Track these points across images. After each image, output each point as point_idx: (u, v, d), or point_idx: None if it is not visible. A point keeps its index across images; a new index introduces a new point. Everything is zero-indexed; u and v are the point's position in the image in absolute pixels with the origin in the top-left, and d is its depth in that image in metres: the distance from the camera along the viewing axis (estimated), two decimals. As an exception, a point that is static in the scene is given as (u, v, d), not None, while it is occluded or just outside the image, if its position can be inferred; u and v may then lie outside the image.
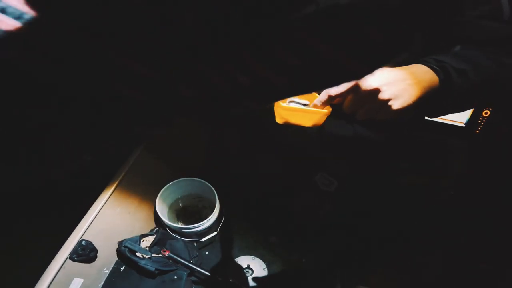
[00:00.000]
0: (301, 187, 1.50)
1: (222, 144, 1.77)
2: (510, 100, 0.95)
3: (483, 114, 1.28)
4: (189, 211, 1.73)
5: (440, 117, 1.20)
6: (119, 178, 1.44)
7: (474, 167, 1.30)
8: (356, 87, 0.77)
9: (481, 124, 1.30)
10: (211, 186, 1.59)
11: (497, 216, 1.36)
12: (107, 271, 1.54)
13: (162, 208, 1.58)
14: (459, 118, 1.34)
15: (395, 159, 1.33)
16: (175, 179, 1.60)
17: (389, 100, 0.75)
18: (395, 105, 0.76)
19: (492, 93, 0.83)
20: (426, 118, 1.30)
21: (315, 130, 0.95)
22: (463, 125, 1.34)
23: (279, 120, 0.86)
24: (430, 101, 0.79)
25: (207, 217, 1.59)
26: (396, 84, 0.75)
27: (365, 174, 1.36)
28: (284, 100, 0.90)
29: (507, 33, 0.79)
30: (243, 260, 1.69)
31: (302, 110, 0.86)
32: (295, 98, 0.92)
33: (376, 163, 1.31)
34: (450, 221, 1.43)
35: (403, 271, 1.52)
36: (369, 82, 0.76)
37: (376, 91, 0.75)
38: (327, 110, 0.84)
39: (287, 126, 0.91)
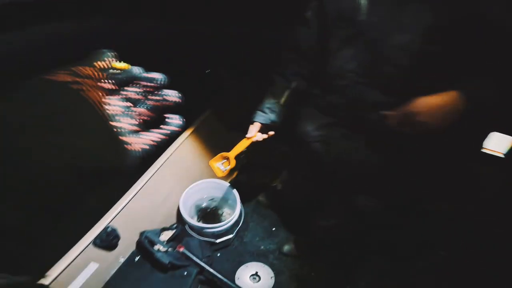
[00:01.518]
0: (331, 204, 1.54)
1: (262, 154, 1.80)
2: None
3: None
4: (209, 211, 1.75)
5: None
6: (154, 172, 1.46)
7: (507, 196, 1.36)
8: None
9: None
10: (235, 191, 1.63)
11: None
12: (122, 260, 1.54)
13: (185, 205, 1.60)
14: (499, 148, 1.39)
15: (426, 186, 1.39)
16: (204, 179, 1.63)
17: (422, 123, 0.93)
18: (427, 129, 0.94)
19: None
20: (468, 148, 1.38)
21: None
22: (503, 156, 1.40)
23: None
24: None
25: (226, 220, 1.62)
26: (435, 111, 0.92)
27: (398, 199, 1.41)
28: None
29: None
30: (253, 266, 1.72)
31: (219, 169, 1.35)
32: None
33: (411, 189, 1.36)
34: (472, 246, 1.48)
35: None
36: (412, 107, 0.93)
37: (416, 114, 0.93)
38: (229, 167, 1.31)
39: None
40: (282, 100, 1.31)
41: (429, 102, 0.93)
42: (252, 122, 1.34)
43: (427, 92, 0.95)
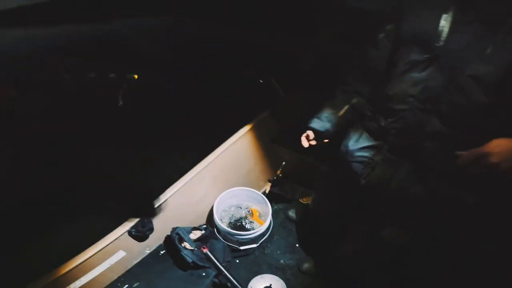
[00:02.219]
0: (353, 231, 1.54)
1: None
2: None
3: None
4: (239, 218, 1.75)
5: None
6: (197, 172, 1.47)
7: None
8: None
9: None
10: (268, 203, 1.64)
11: None
12: (148, 251, 1.54)
13: (218, 208, 1.61)
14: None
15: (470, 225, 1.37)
16: (240, 186, 1.64)
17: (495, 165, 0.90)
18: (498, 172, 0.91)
19: None
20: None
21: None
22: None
23: None
24: None
25: (254, 229, 1.63)
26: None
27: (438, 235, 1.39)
28: None
29: None
30: (268, 278, 1.72)
31: None
32: None
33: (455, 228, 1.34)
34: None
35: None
36: (488, 148, 0.90)
37: (491, 155, 0.90)
38: None
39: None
40: (341, 112, 1.33)
41: (508, 145, 0.90)
42: (307, 128, 1.37)
43: (495, 130, 0.93)
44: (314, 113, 1.40)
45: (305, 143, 1.38)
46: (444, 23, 1.00)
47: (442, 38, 1.00)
